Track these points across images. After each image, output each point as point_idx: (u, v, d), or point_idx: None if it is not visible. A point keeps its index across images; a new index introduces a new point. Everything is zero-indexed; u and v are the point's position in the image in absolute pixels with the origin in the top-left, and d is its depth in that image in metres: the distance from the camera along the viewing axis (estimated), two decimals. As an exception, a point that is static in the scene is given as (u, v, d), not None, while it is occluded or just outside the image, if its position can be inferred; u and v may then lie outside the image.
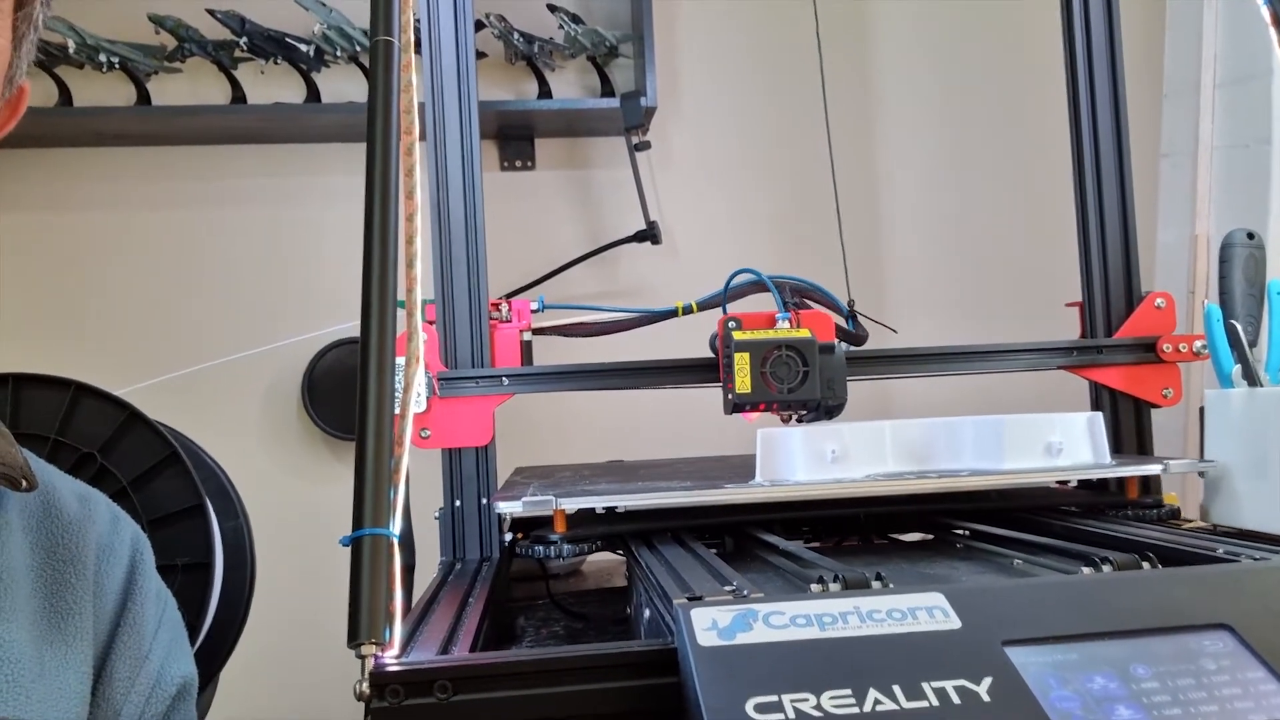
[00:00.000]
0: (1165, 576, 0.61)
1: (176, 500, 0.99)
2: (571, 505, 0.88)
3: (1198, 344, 1.08)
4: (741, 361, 0.95)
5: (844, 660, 0.50)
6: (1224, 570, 0.62)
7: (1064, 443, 0.89)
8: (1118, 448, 1.11)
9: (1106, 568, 0.63)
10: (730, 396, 0.96)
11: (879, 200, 2.03)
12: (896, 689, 0.47)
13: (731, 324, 1.00)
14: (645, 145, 1.86)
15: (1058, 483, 1.06)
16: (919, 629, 0.52)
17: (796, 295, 1.14)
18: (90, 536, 0.60)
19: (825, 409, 0.98)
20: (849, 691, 0.47)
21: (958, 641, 0.51)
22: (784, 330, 1.01)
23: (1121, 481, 1.00)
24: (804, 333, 0.97)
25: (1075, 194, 1.18)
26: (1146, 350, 1.11)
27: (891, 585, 0.59)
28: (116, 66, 1.76)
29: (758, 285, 1.12)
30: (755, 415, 0.99)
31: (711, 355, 1.05)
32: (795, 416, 1.01)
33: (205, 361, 1.75)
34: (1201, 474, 0.94)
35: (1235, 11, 1.76)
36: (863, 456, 0.88)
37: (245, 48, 1.80)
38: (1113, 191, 1.16)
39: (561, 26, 1.85)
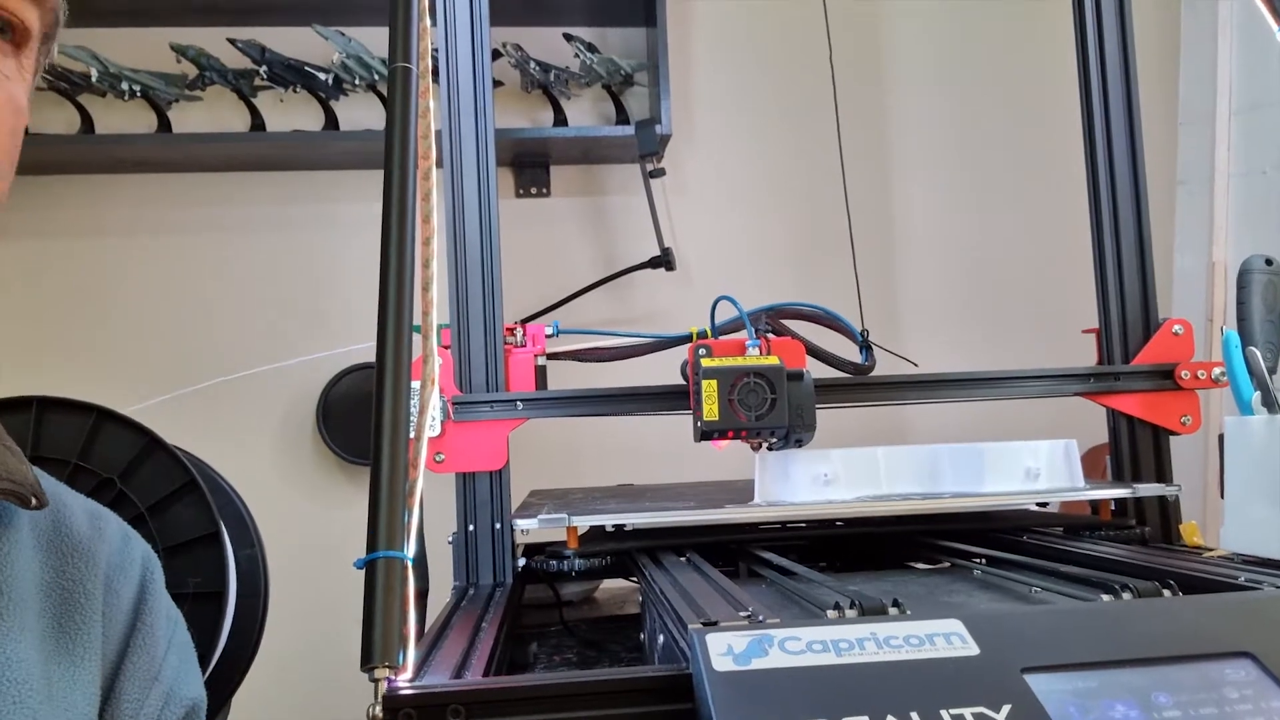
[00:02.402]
0: (1186, 604, 0.60)
1: (193, 527, 0.99)
2: (583, 523, 0.95)
3: (1216, 371, 1.08)
4: (709, 389, 0.95)
5: (861, 687, 0.49)
6: (1245, 598, 0.61)
7: (1041, 467, 0.97)
8: (1136, 475, 1.10)
9: (1127, 595, 0.62)
10: (699, 424, 0.96)
11: (894, 226, 2.03)
12: (914, 716, 0.47)
13: (701, 351, 1.00)
14: (660, 172, 1.87)
15: (1038, 505, 1.09)
16: (937, 655, 0.51)
17: (777, 322, 1.14)
18: (101, 555, 0.60)
19: (794, 437, 0.98)
20: (866, 718, 0.47)
21: (976, 668, 0.51)
22: (753, 358, 1.00)
23: (1139, 504, 1.05)
24: (772, 360, 0.97)
25: (1091, 220, 1.17)
26: (1164, 377, 1.10)
27: (908, 611, 0.58)
28: (138, 95, 1.79)
29: (766, 312, 1.12)
30: (724, 443, 0.99)
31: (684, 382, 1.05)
32: (765, 444, 1.01)
33: (219, 379, 1.75)
34: (1174, 497, 1.03)
35: (1249, 40, 1.77)
36: (854, 480, 0.96)
37: (265, 76, 1.82)
38: (1129, 218, 1.15)
39: (577, 55, 1.87)
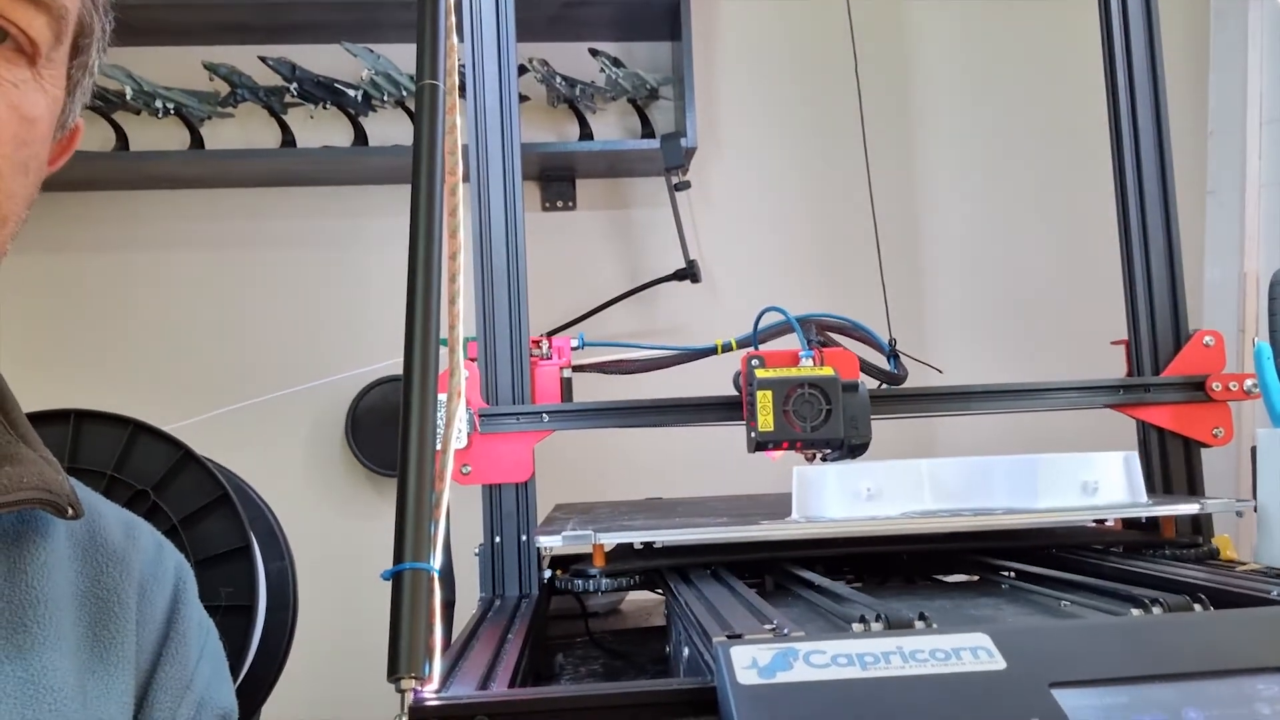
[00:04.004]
0: (1217, 618, 0.60)
1: (224, 541, 1.00)
2: (610, 540, 0.89)
3: (1248, 383, 1.06)
4: (764, 400, 0.95)
5: (886, 701, 0.49)
6: (1277, 613, 0.60)
7: (1099, 481, 0.89)
8: (1167, 488, 1.09)
9: (1156, 609, 0.62)
10: (753, 435, 0.95)
11: (920, 237, 2.03)
12: (940, 730, 0.47)
13: (754, 362, 0.99)
14: (685, 185, 1.87)
15: (1094, 522, 1.05)
16: (963, 669, 0.51)
17: (824, 333, 1.13)
18: (135, 565, 0.61)
19: (849, 448, 0.97)
20: (891, 732, 0.47)
21: (1003, 683, 0.50)
22: (807, 368, 1.00)
23: (1171, 520, 0.99)
24: (827, 371, 0.97)
25: (1119, 230, 1.16)
26: (1195, 389, 1.09)
27: (935, 625, 0.58)
28: (171, 112, 1.82)
29: (788, 325, 1.12)
30: (779, 454, 0.98)
31: (737, 393, 1.05)
32: (819, 455, 1.00)
33: (254, 399, 1.78)
34: (1239, 513, 0.93)
35: (1280, 49, 1.75)
36: (898, 495, 0.88)
37: (295, 93, 1.84)
38: (1158, 228, 1.14)
39: (603, 70, 1.88)
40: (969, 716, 0.47)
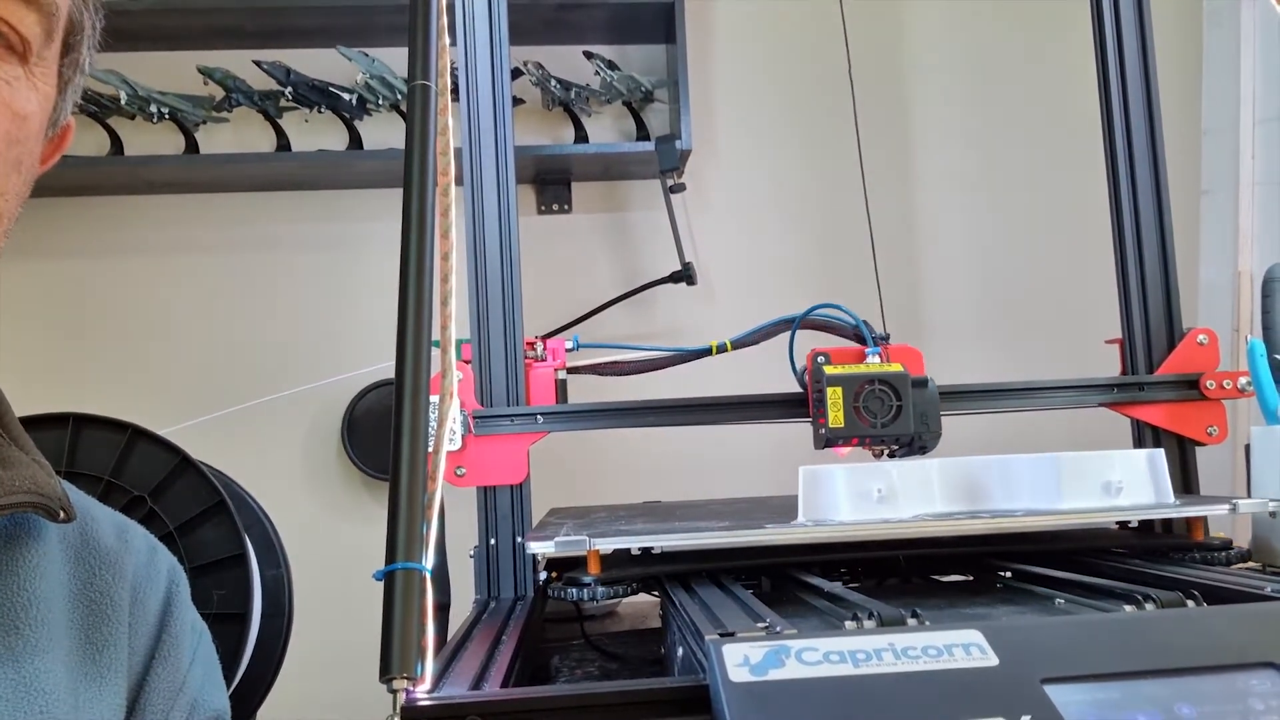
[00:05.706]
0: (1210, 614, 0.60)
1: (220, 548, 1.00)
2: (606, 545, 0.84)
3: (1242, 380, 1.07)
4: (834, 396, 0.94)
5: (878, 697, 0.49)
6: (1269, 608, 0.60)
7: (1124, 481, 0.84)
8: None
9: (1149, 605, 0.62)
10: (822, 431, 0.94)
11: (914, 239, 2.03)
12: (931, 726, 0.47)
13: (820, 358, 0.99)
14: (680, 187, 1.87)
15: (1117, 524, 1.03)
16: (955, 666, 0.51)
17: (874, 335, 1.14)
18: (127, 568, 0.61)
19: (919, 444, 0.97)
20: (883, 729, 0.47)
21: (995, 679, 0.50)
22: (875, 365, 1.00)
23: (1189, 522, 0.96)
24: (896, 367, 0.97)
25: (1113, 230, 1.17)
26: (1189, 387, 1.09)
27: (927, 622, 0.58)
28: (166, 117, 1.81)
29: (825, 323, 1.12)
30: (846, 450, 0.98)
31: (798, 391, 1.05)
32: (887, 451, 1.00)
33: (249, 402, 1.77)
34: (1273, 514, 0.88)
35: (1273, 50, 1.75)
36: (910, 495, 0.83)
37: (290, 97, 1.84)
38: (1151, 227, 1.15)
39: (598, 73, 1.88)
40: (961, 713, 0.47)
